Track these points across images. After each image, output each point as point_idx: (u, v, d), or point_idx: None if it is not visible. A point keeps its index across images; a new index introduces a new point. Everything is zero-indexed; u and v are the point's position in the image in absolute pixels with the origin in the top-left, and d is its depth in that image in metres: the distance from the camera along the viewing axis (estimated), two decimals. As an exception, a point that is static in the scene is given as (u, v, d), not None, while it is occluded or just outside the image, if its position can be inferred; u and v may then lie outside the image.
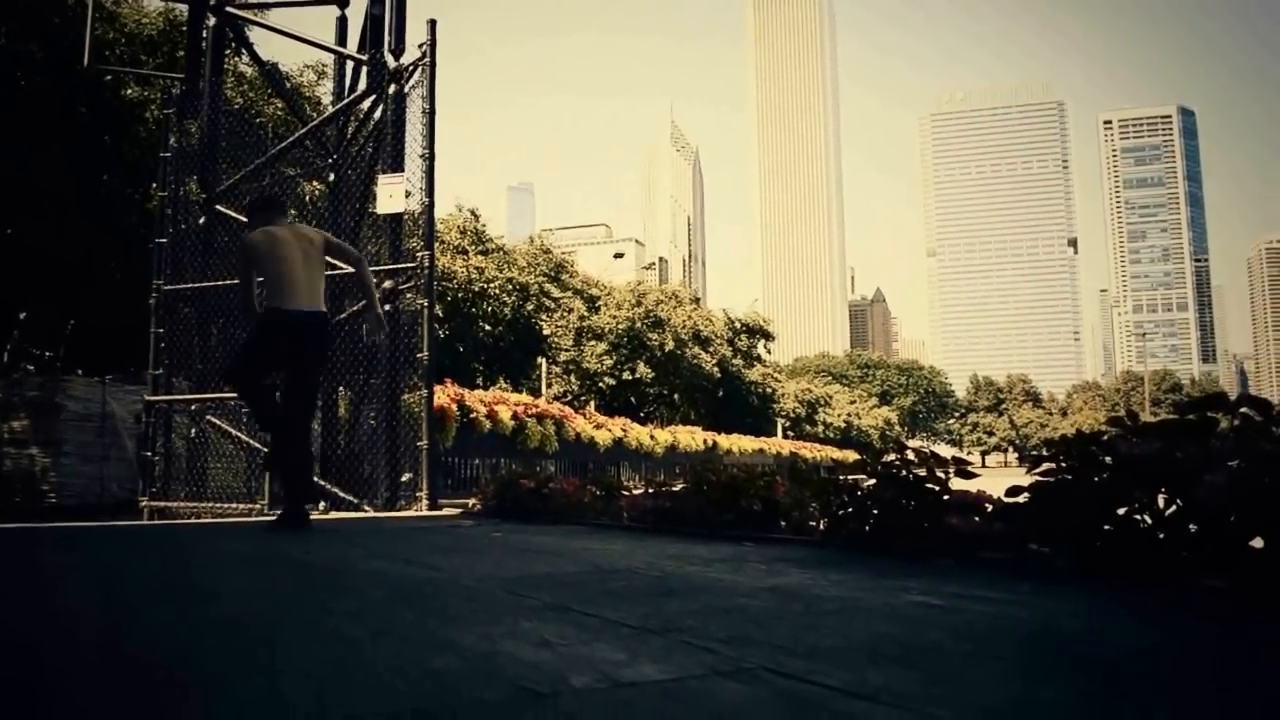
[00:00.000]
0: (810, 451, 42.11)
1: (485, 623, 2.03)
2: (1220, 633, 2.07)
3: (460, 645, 1.77)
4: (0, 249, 18.69)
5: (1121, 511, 2.80)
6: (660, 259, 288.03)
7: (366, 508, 7.76)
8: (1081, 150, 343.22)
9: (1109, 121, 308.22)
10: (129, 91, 19.86)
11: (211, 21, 9.29)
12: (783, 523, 4.50)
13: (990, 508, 3.33)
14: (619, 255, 53.07)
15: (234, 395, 8.35)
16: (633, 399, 50.49)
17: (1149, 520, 2.74)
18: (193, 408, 8.62)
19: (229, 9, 9.34)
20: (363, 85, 8.79)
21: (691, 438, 24.98)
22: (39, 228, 18.05)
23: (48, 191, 18.01)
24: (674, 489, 5.30)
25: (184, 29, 11.12)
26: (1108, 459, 2.87)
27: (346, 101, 8.98)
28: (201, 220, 8.88)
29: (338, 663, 1.65)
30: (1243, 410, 2.68)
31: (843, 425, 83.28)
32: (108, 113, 19.65)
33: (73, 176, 18.57)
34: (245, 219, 5.64)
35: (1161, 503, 2.73)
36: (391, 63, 8.27)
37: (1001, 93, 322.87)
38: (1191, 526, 2.64)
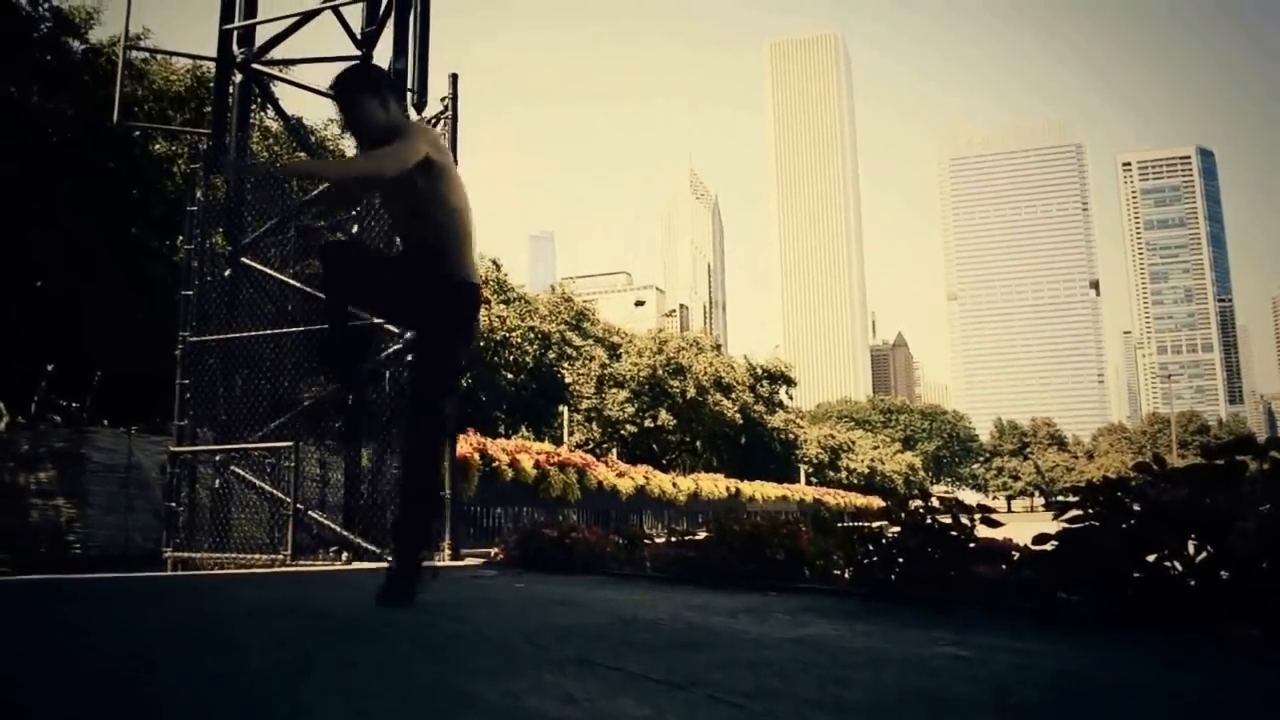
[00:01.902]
0: (834, 498, 41.86)
1: (508, 676, 2.01)
2: (1255, 682, 2.03)
3: (483, 699, 1.76)
4: (29, 301, 18.96)
5: (1151, 558, 2.76)
6: (681, 306, 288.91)
7: (389, 558, 7.74)
8: (1101, 192, 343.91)
9: (1128, 163, 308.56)
10: (157, 147, 20.25)
11: (238, 78, 9.46)
12: (807, 572, 4.46)
13: (1017, 555, 3.29)
14: (640, 303, 53.31)
15: (258, 445, 8.42)
16: (655, 446, 50.41)
17: (1179, 567, 2.70)
18: (217, 458, 8.66)
19: (255, 66, 9.51)
20: (386, 138, 8.90)
21: (714, 485, 24.88)
22: (68, 281, 18.32)
23: (77, 245, 18.30)
24: (697, 538, 5.27)
25: (211, 85, 11.33)
26: (1136, 505, 2.84)
27: (369, 154, 9.10)
28: (227, 272, 8.98)
29: (361, 716, 1.64)
30: (1272, 454, 2.65)
31: (866, 471, 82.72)
32: (136, 167, 20.02)
33: (101, 230, 18.87)
34: (346, 97, 3.58)
35: (1192, 549, 2.69)
36: (414, 116, 8.38)
37: (1019, 136, 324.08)
38: (1223, 573, 2.60)
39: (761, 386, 62.13)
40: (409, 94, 8.43)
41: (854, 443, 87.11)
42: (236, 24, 9.41)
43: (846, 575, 4.13)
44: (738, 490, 26.96)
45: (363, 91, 3.58)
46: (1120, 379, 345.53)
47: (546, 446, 17.70)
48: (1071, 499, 3.06)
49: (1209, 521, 2.62)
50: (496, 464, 12.35)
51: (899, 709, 1.66)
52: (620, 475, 18.27)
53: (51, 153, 18.33)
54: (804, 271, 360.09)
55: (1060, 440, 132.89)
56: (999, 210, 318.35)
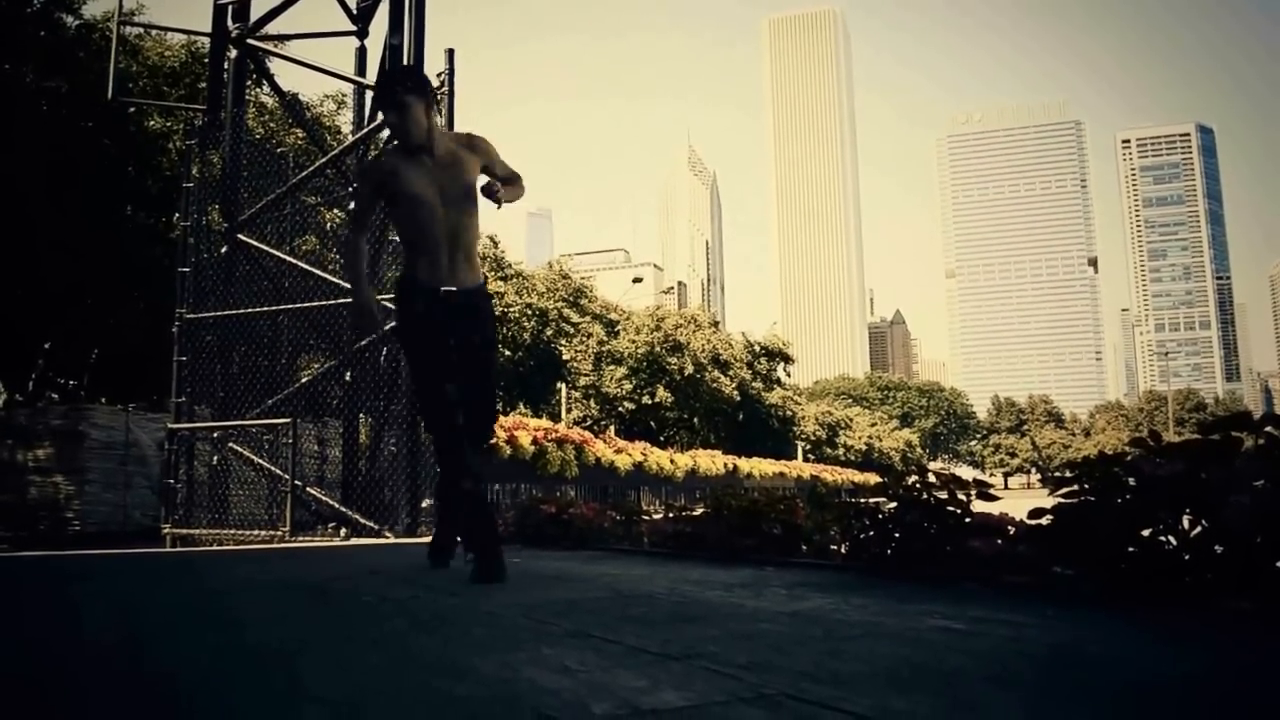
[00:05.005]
0: (831, 474, 41.85)
1: (506, 650, 2.02)
2: (1249, 656, 2.04)
3: (481, 673, 1.77)
4: (25, 280, 18.91)
5: (1146, 533, 2.77)
6: (679, 283, 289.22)
7: (387, 534, 7.77)
8: (1100, 169, 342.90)
9: (1127, 140, 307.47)
10: (152, 123, 20.12)
11: (233, 53, 9.40)
12: (804, 547, 4.48)
13: (1013, 530, 3.30)
14: (638, 280, 53.03)
15: (256, 422, 8.42)
16: (652, 423, 50.45)
17: (1174, 542, 2.71)
18: (215, 435, 8.67)
19: (250, 41, 9.45)
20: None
21: (712, 462, 24.89)
22: (64, 259, 18.28)
23: (73, 223, 18.23)
24: (694, 514, 5.28)
25: (206, 61, 11.26)
26: (1131, 480, 2.84)
27: (366, 130, 9.07)
28: (224, 249, 8.96)
29: (358, 690, 1.65)
30: (1267, 429, 2.65)
31: (864, 448, 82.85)
32: (131, 144, 19.92)
33: (97, 207, 18.81)
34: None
35: (1186, 524, 2.70)
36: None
37: (1018, 113, 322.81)
38: (1217, 548, 2.61)
39: (759, 363, 62.05)
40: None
41: (851, 419, 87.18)
42: (231, -1, 9.34)
43: (843, 550, 4.15)
44: (735, 467, 26.98)
45: (413, 93, 3.72)
46: (1118, 356, 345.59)
47: (544, 423, 17.71)
48: (1068, 474, 3.06)
49: (1204, 497, 2.63)
50: (494, 441, 12.36)
51: (893, 681, 1.67)
52: (618, 452, 18.28)
53: (46, 130, 18.22)
54: (802, 248, 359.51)
55: (1057, 417, 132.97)
56: (997, 187, 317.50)
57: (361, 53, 9.63)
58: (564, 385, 42.97)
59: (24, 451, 12.65)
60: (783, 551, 4.44)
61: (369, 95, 9.32)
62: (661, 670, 1.76)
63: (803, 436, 68.37)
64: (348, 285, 8.26)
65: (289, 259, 8.86)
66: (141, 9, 20.51)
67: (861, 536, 3.93)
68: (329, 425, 9.21)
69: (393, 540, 7.55)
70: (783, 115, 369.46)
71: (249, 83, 10.69)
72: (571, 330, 45.60)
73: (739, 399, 54.03)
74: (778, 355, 64.69)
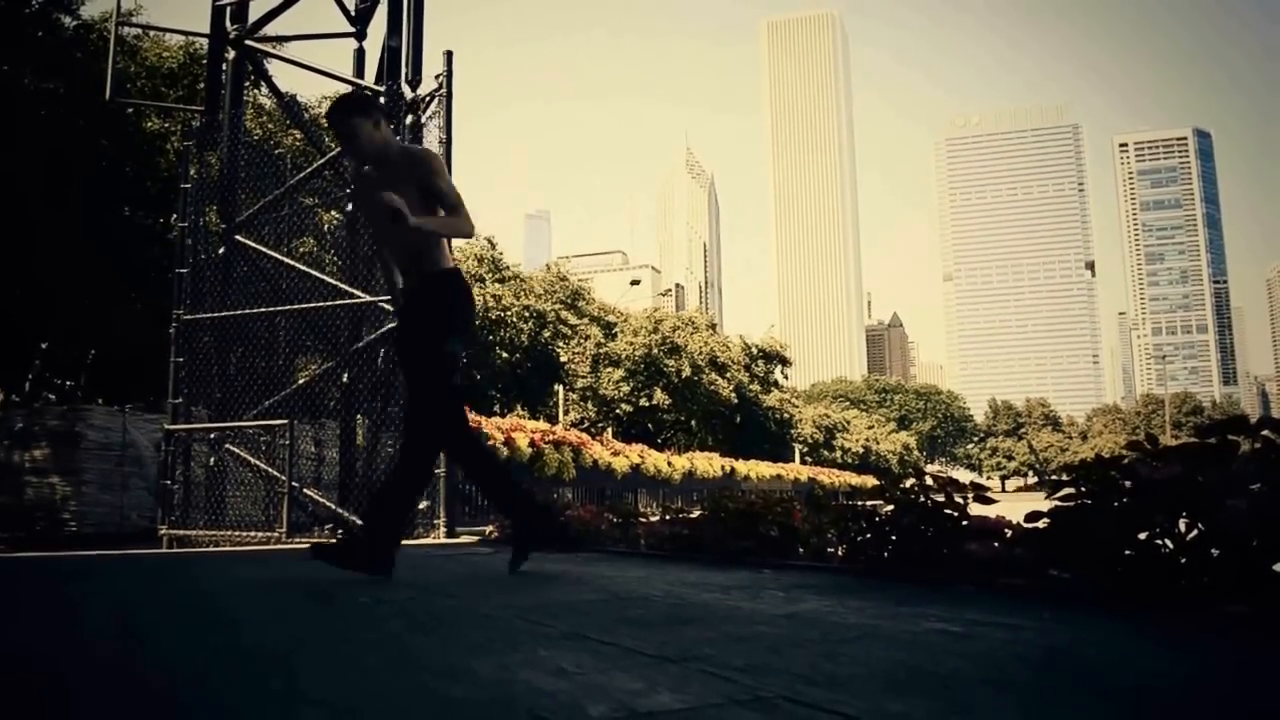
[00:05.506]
0: (828, 477, 41.88)
1: (502, 651, 2.02)
2: (1246, 660, 2.04)
3: (477, 674, 1.77)
4: (23, 280, 18.89)
5: (1143, 536, 2.77)
6: (677, 285, 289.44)
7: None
8: (1097, 173, 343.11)
9: (1124, 144, 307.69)
10: (150, 124, 20.11)
11: (231, 55, 9.39)
12: (801, 549, 4.48)
13: (1010, 533, 3.30)
14: (635, 282, 53.02)
15: (253, 423, 8.41)
16: (650, 425, 50.44)
17: (1170, 545, 2.71)
18: (212, 436, 8.65)
19: (248, 42, 9.44)
20: (380, 116, 8.84)
21: (709, 464, 24.91)
22: (61, 260, 18.25)
23: (70, 223, 18.21)
24: (692, 516, 5.28)
25: (204, 62, 11.24)
26: (1128, 484, 2.85)
27: (364, 132, 9.05)
28: (221, 250, 8.94)
29: (354, 691, 1.65)
30: (1264, 433, 2.66)
31: (861, 450, 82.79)
32: (129, 145, 19.90)
33: (95, 208, 18.78)
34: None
35: (1183, 527, 2.70)
36: (408, 94, 8.34)
37: (1016, 116, 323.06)
38: (1214, 551, 2.61)
39: (756, 366, 62.00)
40: (403, 71, 8.39)
41: (849, 422, 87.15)
42: (229, 0, 9.34)
43: (840, 553, 4.15)
44: (732, 469, 27.01)
45: (356, 115, 3.73)
46: (1115, 360, 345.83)
47: (542, 425, 17.74)
48: (1065, 478, 3.07)
49: (1200, 500, 2.63)
50: (492, 442, 12.36)
51: (890, 683, 1.67)
52: (615, 454, 18.29)
53: (45, 130, 18.20)
54: (800, 251, 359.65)
55: (1054, 421, 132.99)
56: (995, 191, 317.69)
57: (360, 54, 9.63)
58: (561, 387, 42.94)
59: (20, 452, 12.62)
60: (780, 554, 4.44)
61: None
62: (658, 672, 1.76)
63: (800, 439, 68.32)
64: (345, 286, 8.33)
65: (287, 260, 8.84)
66: (140, 9, 20.49)
67: (859, 539, 3.93)
68: (326, 427, 9.19)
69: (390, 542, 7.54)
70: (781, 118, 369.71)
71: (247, 84, 10.67)
72: (569, 332, 45.61)
73: (736, 401, 53.99)
74: (775, 358, 64.68)
